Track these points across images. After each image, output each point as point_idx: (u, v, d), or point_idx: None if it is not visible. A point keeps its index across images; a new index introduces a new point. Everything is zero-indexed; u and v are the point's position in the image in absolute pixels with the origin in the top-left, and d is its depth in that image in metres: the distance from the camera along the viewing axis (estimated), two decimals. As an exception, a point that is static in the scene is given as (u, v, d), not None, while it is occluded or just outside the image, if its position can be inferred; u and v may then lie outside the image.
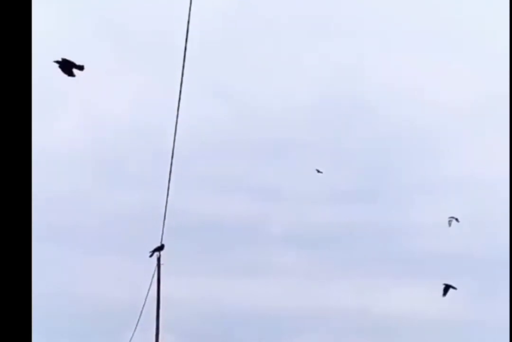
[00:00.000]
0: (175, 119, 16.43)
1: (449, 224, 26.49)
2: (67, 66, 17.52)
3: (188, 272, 36.22)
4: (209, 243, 38.57)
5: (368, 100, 41.42)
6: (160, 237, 26.44)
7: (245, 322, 37.84)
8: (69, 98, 41.80)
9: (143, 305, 28.71)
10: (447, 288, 25.86)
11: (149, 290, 28.09)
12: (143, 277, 28.56)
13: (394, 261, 40.65)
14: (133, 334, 30.40)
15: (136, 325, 29.75)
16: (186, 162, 25.67)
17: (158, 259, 27.27)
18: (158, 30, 33.44)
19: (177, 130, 17.00)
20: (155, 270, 27.61)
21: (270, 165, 41.93)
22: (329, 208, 41.70)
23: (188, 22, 11.98)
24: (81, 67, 18.16)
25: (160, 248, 27.01)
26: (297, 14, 38.77)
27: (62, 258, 37.93)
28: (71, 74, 16.86)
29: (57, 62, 17.20)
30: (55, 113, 41.70)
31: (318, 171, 27.83)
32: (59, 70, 15.95)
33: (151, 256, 27.08)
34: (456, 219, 26.66)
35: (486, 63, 39.33)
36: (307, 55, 40.30)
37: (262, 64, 39.76)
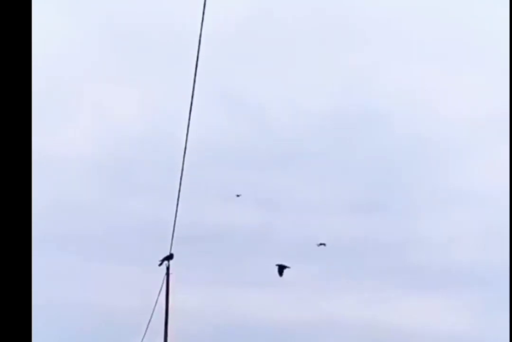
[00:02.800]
0: (185, 128, 16.46)
1: (318, 246, 26.94)
2: None
3: (196, 281, 36.20)
4: (218, 253, 38.52)
5: (379, 110, 41.44)
6: (169, 246, 26.53)
7: (253, 333, 37.77)
8: (78, 106, 42.02)
9: (152, 314, 28.71)
10: (281, 268, 25.87)
11: (157, 299, 28.10)
12: (152, 286, 28.58)
13: (402, 274, 40.61)
14: (141, 344, 30.39)
15: (144, 335, 29.74)
16: (195, 171, 25.72)
17: (167, 268, 27.27)
18: (170, 35, 33.57)
19: (188, 139, 17.03)
20: (164, 279, 27.61)
21: (280, 175, 41.92)
22: (337, 220, 41.67)
23: (201, 29, 12.06)
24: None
25: (169, 257, 27.05)
26: (311, 22, 38.83)
27: (71, 267, 37.97)
28: None
29: None
30: (64, 122, 41.89)
31: (238, 195, 28.10)
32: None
33: (160, 264, 27.17)
34: (324, 244, 27.06)
35: (502, 78, 39.27)
36: (319, 64, 40.31)
37: (272, 73, 39.82)
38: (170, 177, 21.45)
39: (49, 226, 33.72)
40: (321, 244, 26.90)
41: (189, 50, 13.46)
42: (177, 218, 23.60)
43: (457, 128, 42.28)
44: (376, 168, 42.08)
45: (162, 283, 27.62)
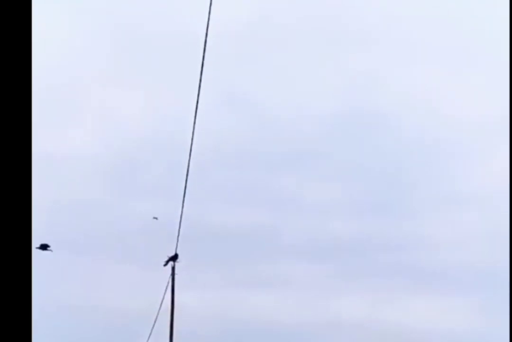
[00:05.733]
0: (191, 129, 16.52)
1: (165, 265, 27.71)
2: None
3: (201, 282, 36.26)
4: (223, 254, 38.56)
5: (384, 112, 41.47)
6: (175, 247, 26.60)
7: (258, 333, 37.77)
8: (83, 106, 42.10)
9: (157, 315, 28.71)
10: (43, 247, 26.06)
11: (163, 299, 28.10)
12: (157, 286, 28.61)
13: (407, 275, 40.60)
14: (146, 344, 30.40)
15: (150, 335, 29.75)
16: (201, 172, 25.79)
17: (173, 269, 27.30)
18: (175, 37, 33.59)
19: (193, 140, 17.09)
20: (169, 280, 27.63)
21: (285, 177, 42.04)
22: (343, 220, 41.75)
23: (206, 31, 12.13)
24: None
25: (174, 258, 27.09)
26: (316, 25, 38.86)
27: (76, 267, 37.96)
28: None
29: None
30: (70, 123, 41.99)
31: (154, 218, 28.21)
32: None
33: (165, 265, 27.22)
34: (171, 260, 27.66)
35: (502, 79, 39.15)
36: (325, 66, 40.36)
37: (278, 74, 39.86)
38: (176, 177, 21.52)
39: (51, 226, 33.76)
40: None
41: (194, 52, 13.54)
42: (183, 219, 23.70)
43: (460, 130, 42.30)
44: (380, 169, 42.16)
45: (168, 284, 27.68)
